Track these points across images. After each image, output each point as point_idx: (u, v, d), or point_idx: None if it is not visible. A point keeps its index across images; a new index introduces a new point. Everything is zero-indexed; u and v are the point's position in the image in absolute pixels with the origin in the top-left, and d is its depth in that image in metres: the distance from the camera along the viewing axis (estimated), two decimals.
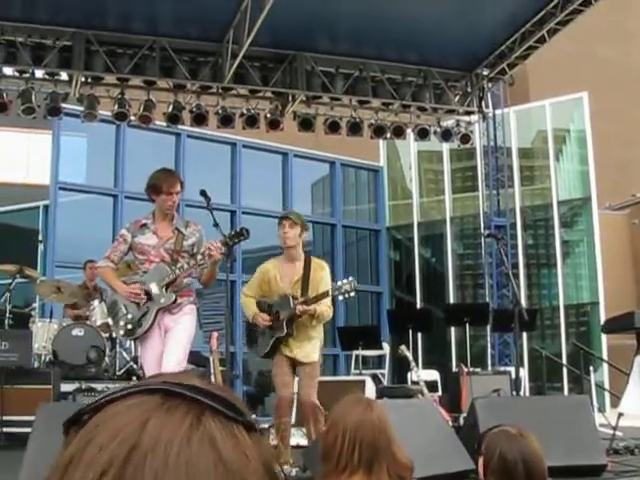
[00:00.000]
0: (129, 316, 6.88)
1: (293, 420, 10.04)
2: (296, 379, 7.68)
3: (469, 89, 13.30)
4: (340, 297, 7.57)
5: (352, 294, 7.55)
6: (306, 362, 7.40)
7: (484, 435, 3.71)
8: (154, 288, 6.84)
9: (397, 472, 3.29)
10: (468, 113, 13.46)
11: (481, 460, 3.52)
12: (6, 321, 10.73)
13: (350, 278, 7.60)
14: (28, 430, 5.84)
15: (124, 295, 6.91)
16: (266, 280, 7.59)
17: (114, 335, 11.22)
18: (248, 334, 7.86)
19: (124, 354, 11.33)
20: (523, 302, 17.62)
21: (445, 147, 17.80)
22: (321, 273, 7.59)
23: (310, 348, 7.45)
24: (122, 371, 11.09)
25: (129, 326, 6.89)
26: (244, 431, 0.83)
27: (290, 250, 7.49)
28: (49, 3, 10.85)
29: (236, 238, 6.96)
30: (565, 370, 16.70)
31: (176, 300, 6.88)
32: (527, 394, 12.93)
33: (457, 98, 13.32)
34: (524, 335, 15.37)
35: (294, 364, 7.49)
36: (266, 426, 9.77)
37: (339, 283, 7.55)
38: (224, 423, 0.82)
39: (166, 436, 0.78)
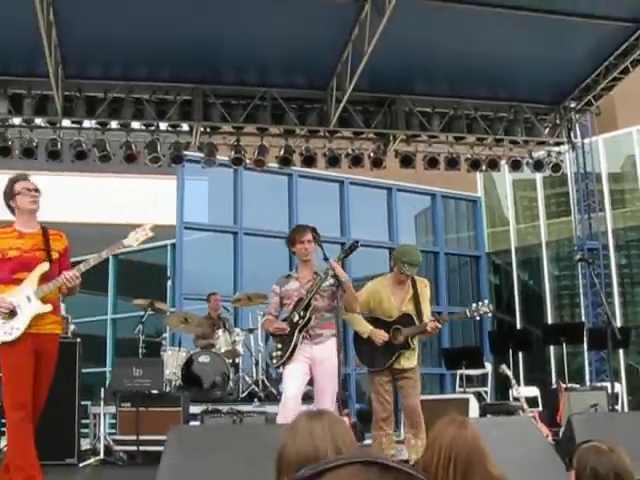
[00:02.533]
0: (278, 346, 7.16)
1: (402, 435, 10.01)
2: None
3: (558, 121, 13.12)
4: (477, 317, 7.91)
5: (489, 314, 7.97)
6: (409, 367, 7.53)
7: (575, 450, 3.65)
8: (295, 317, 7.13)
9: None
10: (558, 144, 13.27)
11: (573, 474, 3.47)
12: (140, 350, 10.98)
13: (486, 301, 7.91)
14: (160, 448, 5.90)
15: (273, 332, 7.23)
16: (377, 299, 7.69)
17: (237, 361, 11.44)
18: (358, 348, 7.97)
19: (246, 378, 11.46)
20: (618, 320, 17.25)
21: (538, 175, 17.58)
22: (426, 290, 7.78)
23: (414, 356, 7.60)
24: (244, 394, 11.21)
25: (278, 353, 7.15)
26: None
27: (401, 275, 7.58)
28: (170, 64, 11.15)
29: (349, 250, 7.42)
30: None
31: (310, 320, 7.08)
32: (625, 409, 12.58)
33: (547, 130, 13.14)
34: (620, 351, 14.99)
35: (393, 378, 7.59)
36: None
37: (474, 306, 7.73)
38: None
39: None
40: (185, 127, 12.01)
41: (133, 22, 9.94)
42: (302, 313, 7.09)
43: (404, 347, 7.48)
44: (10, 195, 6.17)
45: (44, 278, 6.08)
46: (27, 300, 6.00)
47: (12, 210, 6.25)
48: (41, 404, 6.14)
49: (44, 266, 6.13)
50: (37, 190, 6.28)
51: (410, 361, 7.58)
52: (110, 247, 6.40)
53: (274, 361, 7.30)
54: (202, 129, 11.94)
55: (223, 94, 11.65)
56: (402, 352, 7.49)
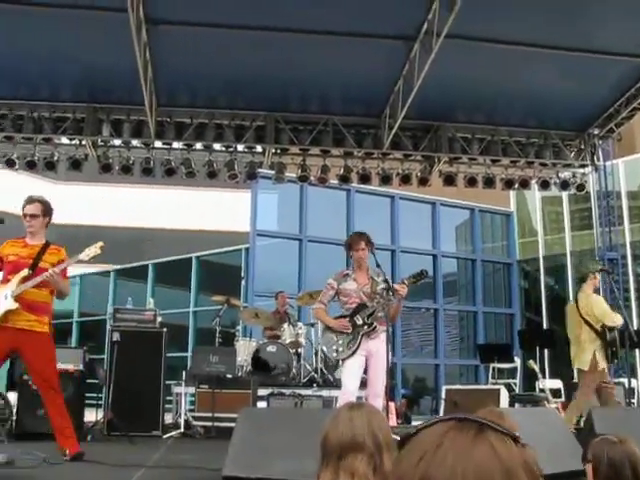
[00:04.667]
0: (340, 342, 7.10)
1: None
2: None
3: (582, 146, 12.87)
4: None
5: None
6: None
7: (589, 444, 3.53)
8: (358, 320, 7.06)
9: None
10: (582, 166, 13.02)
11: (589, 467, 3.36)
12: (216, 339, 11.02)
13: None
14: (232, 425, 5.90)
15: (336, 327, 7.14)
16: None
17: (300, 351, 11.42)
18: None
19: (307, 366, 11.43)
20: (635, 323, 16.85)
21: (564, 193, 17.30)
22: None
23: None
24: (305, 379, 11.17)
25: (341, 348, 7.10)
26: (511, 442, 1.01)
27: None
28: (247, 94, 11.20)
29: (415, 278, 7.15)
30: None
31: (375, 327, 7.05)
32: None
33: (572, 154, 12.90)
34: (637, 351, 14.63)
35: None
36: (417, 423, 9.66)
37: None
38: (499, 435, 1.01)
39: (460, 439, 1.00)
40: (259, 148, 12.04)
41: (216, 60, 10.04)
42: (367, 320, 7.05)
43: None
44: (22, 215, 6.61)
45: (24, 281, 6.36)
46: (4, 298, 6.31)
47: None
48: (48, 378, 6.49)
49: (24, 271, 6.40)
50: (32, 216, 6.58)
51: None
52: (71, 258, 6.67)
53: (334, 354, 7.23)
54: (273, 150, 11.97)
55: (292, 120, 11.66)
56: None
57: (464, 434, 1.01)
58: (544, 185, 12.96)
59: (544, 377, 10.86)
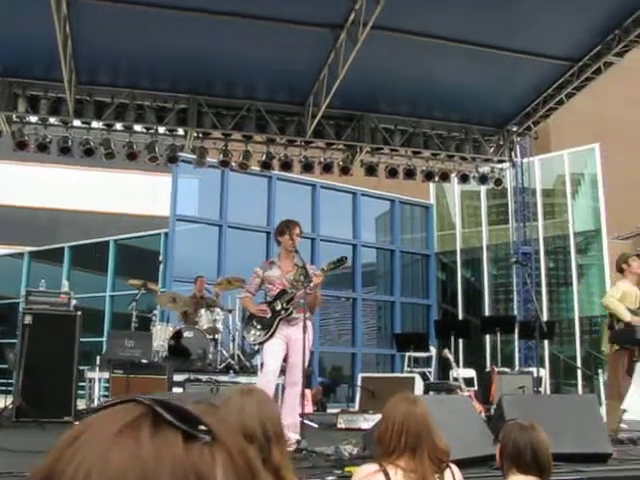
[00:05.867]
0: (258, 326, 7.16)
1: (357, 407, 9.97)
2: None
3: (501, 142, 13.12)
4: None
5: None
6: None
7: (501, 427, 3.66)
8: (277, 306, 7.12)
9: (436, 456, 3.26)
10: (500, 161, 13.27)
11: (498, 447, 3.48)
12: (132, 324, 10.85)
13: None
14: None
15: (256, 313, 7.21)
16: None
17: (217, 337, 11.34)
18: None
19: (224, 352, 11.36)
20: (545, 314, 17.35)
21: (483, 188, 17.62)
22: None
23: None
24: (222, 366, 11.11)
25: (257, 333, 7.16)
26: (181, 439, 0.74)
27: None
28: (170, 76, 11.01)
29: (334, 264, 7.16)
30: (579, 371, 16.34)
31: (291, 313, 7.09)
32: (548, 391, 12.61)
33: (492, 149, 13.14)
34: (546, 342, 15.04)
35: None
36: (336, 412, 9.72)
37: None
38: (160, 427, 0.75)
39: (104, 429, 0.74)
40: (180, 132, 11.86)
41: (138, 39, 9.80)
42: (285, 305, 7.09)
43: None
44: None
45: None
46: None
47: None
48: None
49: None
50: None
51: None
52: None
53: (252, 339, 7.28)
54: (195, 134, 11.81)
55: (215, 105, 11.51)
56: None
57: (112, 423, 0.75)
58: (463, 178, 13.18)
59: (458, 366, 11.02)
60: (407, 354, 12.49)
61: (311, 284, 6.93)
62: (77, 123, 11.39)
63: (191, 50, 10.06)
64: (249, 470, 0.78)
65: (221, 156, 12.08)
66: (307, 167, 12.41)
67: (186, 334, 10.97)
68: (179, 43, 9.86)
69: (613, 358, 8.21)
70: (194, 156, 12.14)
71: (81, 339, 9.56)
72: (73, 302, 9.83)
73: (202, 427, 0.76)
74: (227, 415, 2.14)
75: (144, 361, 9.81)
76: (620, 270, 8.49)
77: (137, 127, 11.65)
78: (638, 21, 9.68)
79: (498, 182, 13.27)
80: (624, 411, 7.72)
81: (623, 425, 7.85)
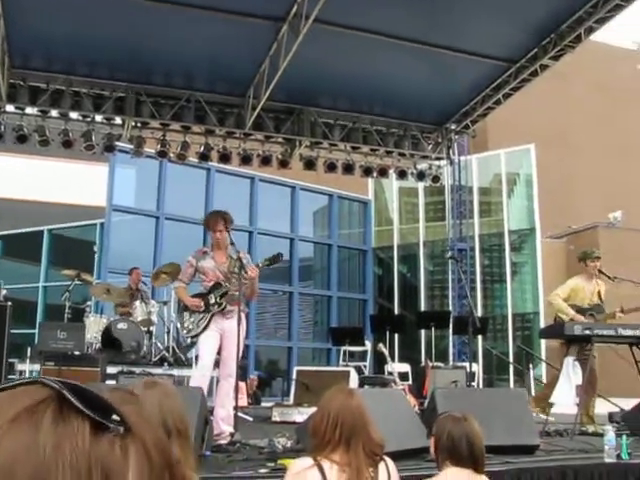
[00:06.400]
0: (191, 319, 7.11)
1: (292, 400, 9.97)
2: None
3: (440, 139, 13.27)
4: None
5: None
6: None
7: (434, 420, 3.69)
8: (211, 299, 7.07)
9: (371, 448, 3.27)
10: (438, 159, 13.42)
11: (432, 440, 3.51)
12: (65, 315, 10.66)
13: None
14: None
15: (190, 306, 7.14)
16: None
17: (151, 329, 11.23)
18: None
19: (159, 344, 11.26)
20: (479, 311, 17.63)
21: (420, 185, 17.80)
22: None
23: None
24: (156, 358, 11.00)
25: (191, 326, 7.11)
26: (88, 428, 0.66)
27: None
28: (108, 63, 10.82)
29: (270, 261, 7.14)
30: (511, 366, 16.64)
31: (225, 308, 7.05)
32: (481, 386, 12.82)
33: (430, 146, 13.28)
34: (479, 337, 15.28)
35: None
36: (271, 405, 9.71)
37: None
38: (66, 414, 0.66)
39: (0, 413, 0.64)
40: (118, 120, 11.68)
41: (76, 23, 9.57)
42: (219, 300, 7.05)
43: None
44: None
45: None
46: None
47: None
48: None
49: None
50: None
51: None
52: None
53: (185, 332, 7.23)
54: (133, 123, 11.65)
55: (153, 94, 11.37)
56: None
57: (7, 408, 0.65)
58: (401, 174, 13.29)
59: (393, 361, 11.14)
60: (343, 348, 12.55)
61: (246, 276, 6.91)
62: (10, 108, 11.12)
63: (130, 38, 9.91)
64: (166, 465, 0.71)
65: (159, 146, 11.94)
66: (246, 160, 12.36)
67: (120, 326, 10.82)
68: (118, 30, 9.69)
69: (561, 351, 8.38)
70: (131, 146, 11.98)
71: (12, 330, 9.36)
72: (3, 292, 9.63)
73: (115, 417, 0.68)
74: None
75: (76, 353, 9.63)
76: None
77: (73, 114, 11.43)
78: (573, 27, 9.90)
79: (436, 179, 13.42)
80: (552, 404, 7.90)
81: (551, 418, 8.03)
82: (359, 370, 11.99)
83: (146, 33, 9.82)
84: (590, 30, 9.88)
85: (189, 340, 7.92)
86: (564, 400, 7.53)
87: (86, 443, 0.65)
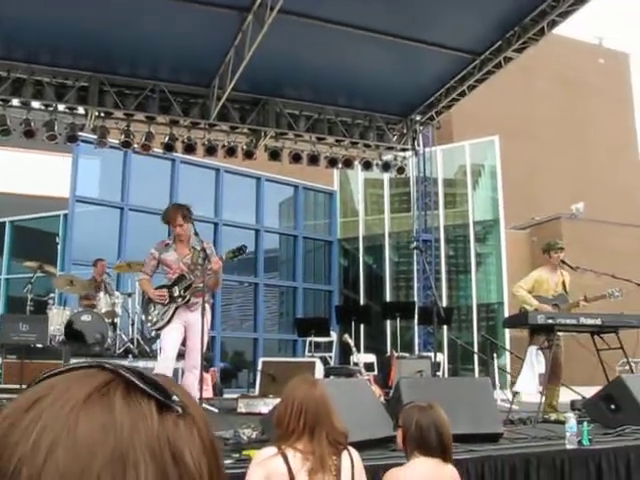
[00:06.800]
0: (156, 312, 7.08)
1: (257, 391, 9.96)
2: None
3: (405, 131, 13.33)
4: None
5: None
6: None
7: (400, 410, 3.70)
8: (175, 292, 7.04)
9: (334, 438, 3.28)
10: (404, 150, 13.48)
11: (400, 431, 3.52)
12: (27, 307, 10.54)
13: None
14: None
15: (154, 298, 7.10)
16: None
17: (116, 321, 11.14)
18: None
19: (123, 336, 11.18)
20: (444, 301, 17.75)
21: (386, 176, 17.84)
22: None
23: None
24: (121, 350, 10.92)
25: (155, 319, 7.09)
26: (155, 409, 0.68)
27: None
28: (72, 52, 10.69)
29: (233, 253, 7.04)
30: (476, 356, 16.77)
31: (189, 300, 7.02)
32: (446, 375, 12.91)
33: (395, 138, 13.34)
34: (444, 327, 15.37)
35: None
36: (236, 396, 9.68)
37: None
38: (133, 395, 0.68)
39: (67, 397, 0.66)
40: (81, 110, 11.56)
41: (37, 10, 9.41)
42: (183, 292, 7.01)
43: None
44: None
45: None
46: None
47: None
48: None
49: None
50: None
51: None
52: None
53: (149, 324, 7.19)
54: (96, 113, 11.54)
55: (117, 84, 11.27)
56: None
57: (78, 390, 0.67)
58: (366, 165, 13.32)
59: (359, 351, 11.16)
60: (308, 339, 12.56)
61: (209, 267, 6.87)
62: None
63: (94, 26, 9.78)
64: (213, 447, 0.73)
65: (123, 137, 11.84)
66: (210, 150, 12.32)
67: (84, 318, 10.72)
68: (82, 18, 9.56)
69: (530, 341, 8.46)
70: (95, 136, 11.85)
71: None
72: None
73: (175, 397, 0.71)
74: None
75: (39, 345, 9.55)
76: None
77: (35, 104, 11.29)
78: (536, 20, 9.99)
79: (401, 170, 13.48)
80: (516, 393, 7.99)
81: (514, 406, 8.12)
82: (325, 361, 12.00)
83: (111, 21, 9.70)
84: (553, 23, 9.98)
85: (153, 332, 7.86)
86: (527, 388, 7.62)
87: (156, 423, 0.67)
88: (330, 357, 12.91)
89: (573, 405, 8.70)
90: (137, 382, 0.68)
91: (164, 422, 0.68)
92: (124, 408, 0.66)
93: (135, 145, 12.00)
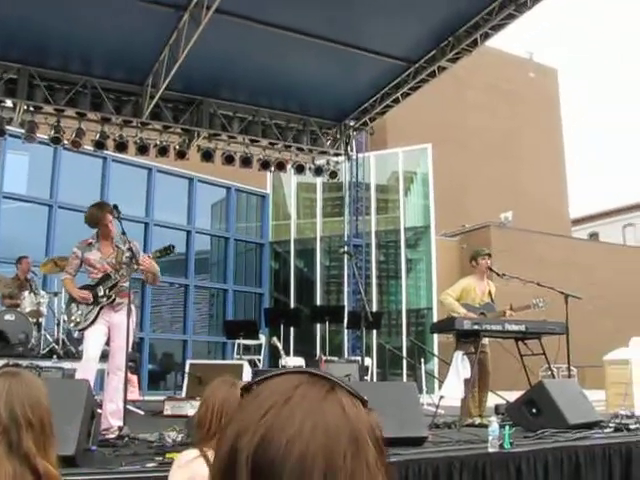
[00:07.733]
0: (79, 312, 6.93)
1: (184, 394, 9.86)
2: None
3: (338, 135, 13.38)
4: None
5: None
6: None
7: None
8: (100, 292, 6.91)
9: None
10: (337, 154, 13.53)
11: None
12: None
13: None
14: None
15: (77, 298, 6.94)
16: None
17: (41, 320, 10.89)
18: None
19: (48, 336, 10.92)
20: (375, 306, 17.88)
21: (319, 180, 17.91)
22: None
23: None
24: (45, 350, 10.67)
25: (78, 319, 6.94)
26: (359, 403, 0.94)
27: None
28: (0, 41, 10.40)
29: (160, 252, 6.93)
30: (404, 361, 16.94)
31: (114, 300, 6.90)
32: (374, 379, 12.99)
33: (329, 142, 13.37)
34: (374, 331, 15.48)
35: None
36: (163, 398, 9.58)
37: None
38: (349, 396, 0.94)
39: (311, 395, 0.91)
40: (9, 103, 11.26)
41: None
42: (107, 292, 6.89)
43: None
44: None
45: None
46: None
47: None
48: None
49: None
50: None
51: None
52: None
53: (72, 325, 7.05)
54: (25, 107, 11.25)
55: (48, 77, 11.00)
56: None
57: (316, 390, 0.92)
58: (299, 169, 13.32)
59: (288, 354, 11.15)
60: (237, 341, 12.49)
61: (136, 267, 6.77)
62: None
63: (24, 16, 9.53)
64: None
65: (52, 132, 11.57)
66: (142, 149, 12.16)
67: (7, 317, 10.45)
68: (12, 6, 9.30)
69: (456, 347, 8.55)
70: (23, 130, 11.57)
71: None
72: None
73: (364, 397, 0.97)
74: None
75: None
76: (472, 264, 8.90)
77: None
78: (470, 31, 10.16)
79: (333, 175, 13.53)
80: (442, 397, 8.08)
81: (440, 410, 8.21)
82: (253, 364, 11.96)
83: (43, 12, 9.45)
84: (486, 36, 10.15)
85: (77, 333, 7.70)
86: (452, 393, 7.70)
87: (364, 414, 0.94)
88: (259, 360, 12.87)
89: (497, 409, 8.86)
90: (345, 386, 0.95)
91: (369, 414, 0.95)
92: (349, 402, 0.92)
93: (65, 141, 11.74)
